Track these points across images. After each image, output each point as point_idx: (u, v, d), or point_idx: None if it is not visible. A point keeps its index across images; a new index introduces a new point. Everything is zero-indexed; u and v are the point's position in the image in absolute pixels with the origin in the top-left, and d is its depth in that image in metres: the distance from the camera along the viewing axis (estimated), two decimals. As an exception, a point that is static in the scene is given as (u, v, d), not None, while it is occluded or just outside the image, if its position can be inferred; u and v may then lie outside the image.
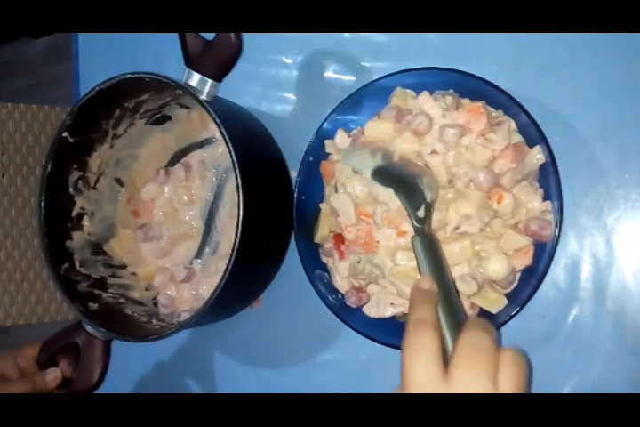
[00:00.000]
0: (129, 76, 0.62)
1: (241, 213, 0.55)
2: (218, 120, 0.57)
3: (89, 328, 0.64)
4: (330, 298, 0.62)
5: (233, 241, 0.56)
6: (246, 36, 0.59)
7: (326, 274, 0.64)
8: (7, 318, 1.24)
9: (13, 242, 1.24)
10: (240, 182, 0.55)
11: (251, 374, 0.71)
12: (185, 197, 0.73)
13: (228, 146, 0.56)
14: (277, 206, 0.64)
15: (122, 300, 0.70)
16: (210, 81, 0.60)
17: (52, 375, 0.65)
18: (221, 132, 0.56)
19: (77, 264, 0.69)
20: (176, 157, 0.74)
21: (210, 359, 0.73)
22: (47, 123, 1.31)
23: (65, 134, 0.65)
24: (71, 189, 0.69)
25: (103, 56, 0.83)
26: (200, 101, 0.58)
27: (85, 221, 0.71)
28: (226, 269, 0.56)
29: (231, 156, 0.56)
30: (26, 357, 0.67)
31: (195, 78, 0.60)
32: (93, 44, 0.84)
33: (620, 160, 0.56)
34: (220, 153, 0.72)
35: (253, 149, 0.62)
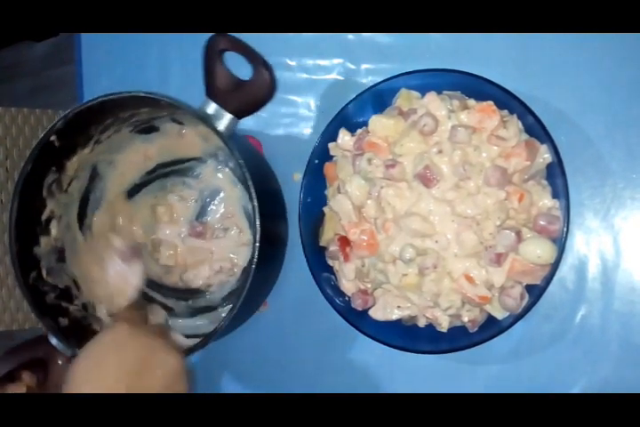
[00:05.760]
0: (142, 94, 0.59)
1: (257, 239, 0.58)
2: (241, 161, 0.57)
3: (54, 342, 0.61)
4: (337, 301, 0.62)
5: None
6: (250, 38, 0.59)
7: (333, 277, 0.63)
8: (13, 323, 1.24)
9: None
10: (259, 228, 0.57)
11: (259, 376, 0.71)
12: (166, 218, 0.74)
13: (249, 189, 0.57)
14: (276, 216, 0.65)
15: (86, 314, 0.68)
16: (230, 116, 0.59)
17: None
18: (243, 174, 0.57)
19: (44, 273, 0.66)
20: (158, 169, 0.74)
21: (218, 363, 0.73)
22: (50, 127, 1.31)
23: (52, 138, 0.63)
24: (45, 192, 0.66)
25: (106, 59, 0.83)
26: (222, 137, 0.58)
27: (53, 226, 0.68)
28: (245, 281, 0.58)
29: (251, 200, 0.57)
30: None
31: (211, 108, 0.59)
32: (96, 47, 0.84)
33: (627, 160, 0.56)
34: (206, 174, 0.73)
35: (263, 184, 0.63)
